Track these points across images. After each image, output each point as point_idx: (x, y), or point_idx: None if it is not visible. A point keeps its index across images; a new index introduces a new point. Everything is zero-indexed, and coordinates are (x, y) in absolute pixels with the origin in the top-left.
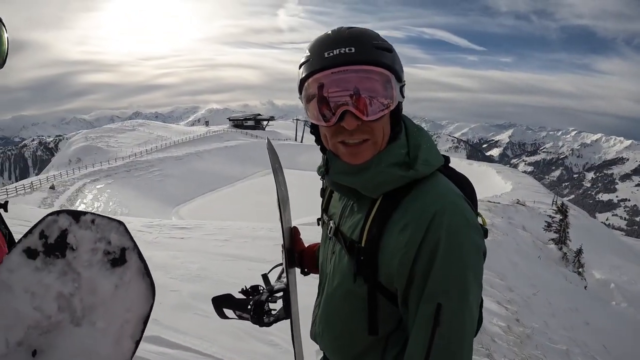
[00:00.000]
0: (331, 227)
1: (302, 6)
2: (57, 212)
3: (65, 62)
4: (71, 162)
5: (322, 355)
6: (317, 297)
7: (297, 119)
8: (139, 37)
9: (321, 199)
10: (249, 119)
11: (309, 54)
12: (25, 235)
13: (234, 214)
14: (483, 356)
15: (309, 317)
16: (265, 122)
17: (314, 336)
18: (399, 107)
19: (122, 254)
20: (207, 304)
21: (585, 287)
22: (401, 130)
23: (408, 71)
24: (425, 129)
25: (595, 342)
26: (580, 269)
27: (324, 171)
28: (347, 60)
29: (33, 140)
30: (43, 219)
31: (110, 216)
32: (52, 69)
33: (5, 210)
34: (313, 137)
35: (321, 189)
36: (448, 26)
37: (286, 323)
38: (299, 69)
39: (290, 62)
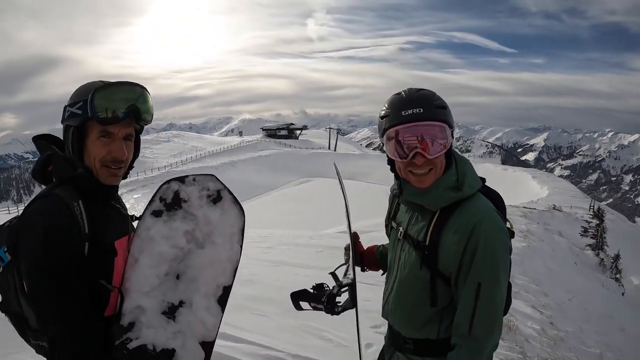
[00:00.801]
0: (401, 232)
1: (331, 15)
2: (168, 181)
3: (99, 76)
4: None
5: (383, 335)
6: (386, 285)
7: (330, 128)
8: (171, 51)
9: (388, 210)
10: (282, 129)
11: (388, 109)
12: (150, 203)
13: (269, 222)
14: (517, 353)
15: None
16: (298, 131)
17: (385, 314)
18: (450, 145)
19: (219, 194)
20: (262, 305)
21: (622, 294)
22: (452, 162)
23: (439, 77)
24: (459, 134)
25: (631, 348)
26: (617, 275)
27: (398, 192)
28: (418, 118)
29: None
30: (159, 188)
31: (203, 173)
32: None
33: (134, 220)
34: (346, 146)
35: (389, 202)
36: (477, 29)
37: (335, 322)
38: (381, 119)
39: (322, 70)
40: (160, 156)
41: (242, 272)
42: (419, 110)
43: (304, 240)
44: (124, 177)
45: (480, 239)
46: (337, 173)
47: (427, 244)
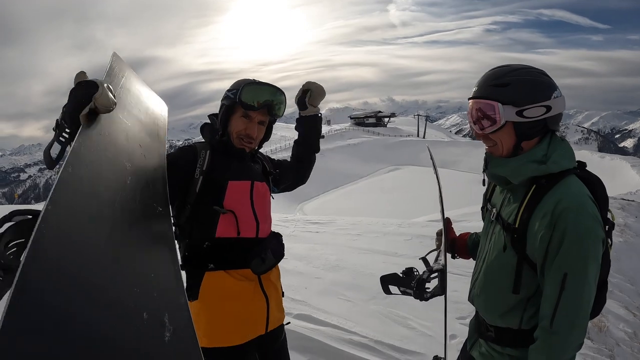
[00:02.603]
0: (494, 213)
1: None
2: None
3: (189, 74)
4: None
5: (470, 319)
6: (475, 268)
7: (418, 115)
8: (255, 45)
9: (485, 192)
10: (370, 117)
11: None
12: None
13: (358, 210)
14: (605, 357)
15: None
16: (386, 119)
17: (471, 298)
18: (521, 124)
19: None
20: (349, 291)
21: None
22: (543, 140)
23: (529, 58)
24: None
25: None
26: None
27: (484, 166)
28: (473, 95)
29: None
30: None
31: None
32: (178, 81)
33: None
34: (435, 133)
35: (483, 180)
36: (566, 5)
37: (420, 310)
38: None
39: (407, 57)
40: None
41: (330, 258)
42: (476, 88)
43: (392, 228)
44: (255, 152)
45: (568, 225)
46: (431, 156)
47: (516, 226)
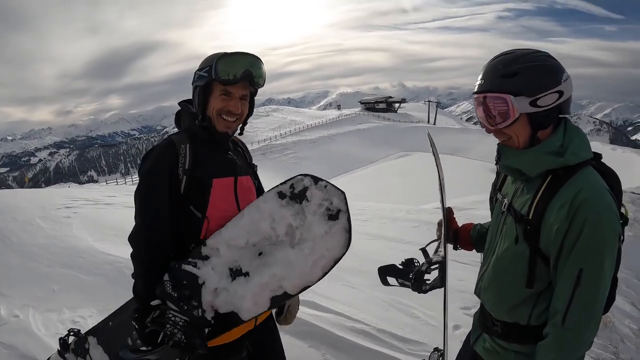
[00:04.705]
0: (505, 204)
1: None
2: (305, 175)
3: (198, 57)
4: None
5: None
6: (484, 260)
7: (429, 101)
8: (266, 29)
9: (494, 181)
10: (380, 102)
11: None
12: (282, 183)
13: (367, 195)
14: (610, 353)
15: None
16: (396, 105)
17: (478, 291)
18: (535, 114)
19: (337, 214)
20: (354, 277)
21: None
22: (558, 128)
23: (542, 46)
24: None
25: None
26: None
27: (497, 157)
28: (478, 90)
29: (173, 127)
30: (296, 176)
31: (337, 186)
32: (187, 64)
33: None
34: (445, 119)
35: (496, 172)
36: None
37: (426, 299)
38: None
39: (418, 42)
40: (260, 130)
41: None
42: (481, 81)
43: (401, 215)
44: (241, 133)
45: (587, 219)
46: (431, 141)
47: (530, 217)
